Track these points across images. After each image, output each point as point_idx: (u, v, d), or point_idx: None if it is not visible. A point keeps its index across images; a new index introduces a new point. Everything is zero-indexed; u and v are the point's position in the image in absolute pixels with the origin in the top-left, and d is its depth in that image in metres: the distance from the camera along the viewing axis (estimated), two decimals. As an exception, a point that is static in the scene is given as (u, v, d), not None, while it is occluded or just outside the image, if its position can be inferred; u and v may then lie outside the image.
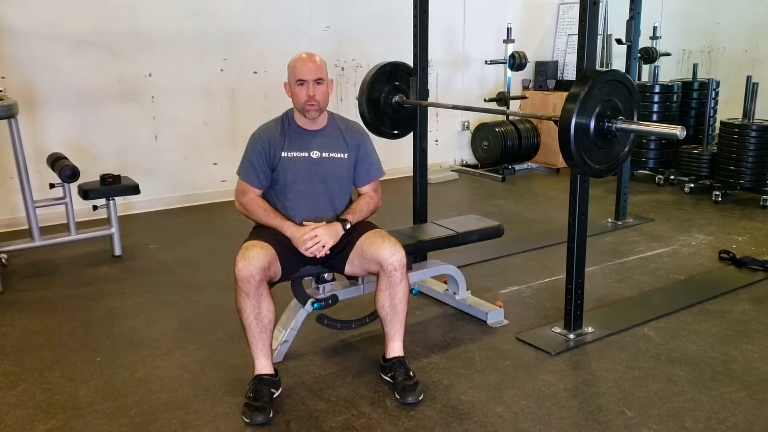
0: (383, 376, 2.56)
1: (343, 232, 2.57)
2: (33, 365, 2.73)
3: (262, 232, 2.57)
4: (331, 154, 2.65)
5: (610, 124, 2.53)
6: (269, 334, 2.43)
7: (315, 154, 2.63)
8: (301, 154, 2.62)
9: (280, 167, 2.61)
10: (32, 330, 3.07)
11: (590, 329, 2.95)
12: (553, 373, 2.63)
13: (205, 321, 3.13)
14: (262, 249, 2.39)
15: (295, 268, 2.59)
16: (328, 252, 2.55)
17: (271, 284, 2.51)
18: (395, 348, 2.54)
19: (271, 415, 2.31)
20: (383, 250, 2.45)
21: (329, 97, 2.64)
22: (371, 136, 2.90)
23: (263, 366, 2.43)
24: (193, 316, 3.21)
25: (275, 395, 2.42)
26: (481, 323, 3.07)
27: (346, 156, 2.67)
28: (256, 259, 2.35)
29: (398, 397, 2.43)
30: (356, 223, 2.62)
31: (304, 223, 2.57)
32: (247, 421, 2.29)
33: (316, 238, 2.50)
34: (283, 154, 2.61)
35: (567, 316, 2.93)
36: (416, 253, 3.13)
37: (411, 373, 2.50)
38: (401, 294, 2.49)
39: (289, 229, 2.54)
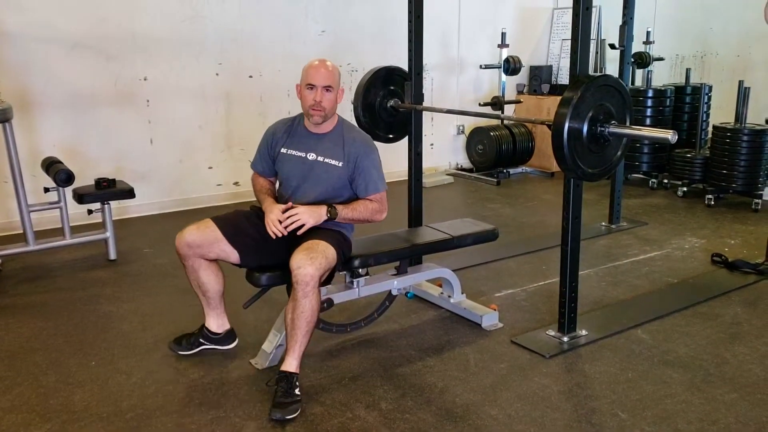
0: (268, 384, 2.45)
1: (326, 217, 2.54)
2: (28, 369, 2.73)
3: (230, 215, 2.69)
4: (326, 160, 2.65)
5: (602, 129, 2.55)
6: (215, 302, 2.73)
7: (311, 156, 2.66)
8: (298, 154, 2.69)
9: (278, 161, 2.74)
10: (27, 334, 3.06)
11: (584, 332, 2.97)
12: (547, 376, 2.64)
13: (201, 325, 3.13)
14: (197, 229, 2.57)
15: (256, 257, 2.60)
16: (286, 233, 2.51)
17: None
18: (288, 362, 2.42)
19: (186, 353, 2.78)
20: (295, 260, 2.36)
21: (337, 105, 2.65)
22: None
23: (209, 322, 2.78)
24: (189, 320, 3.20)
25: (204, 348, 2.80)
26: (475, 326, 3.09)
27: (340, 165, 2.65)
28: (186, 234, 2.56)
29: (270, 411, 2.34)
30: (341, 218, 2.58)
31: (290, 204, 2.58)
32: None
33: (297, 216, 2.50)
34: (283, 150, 2.72)
35: (561, 319, 2.95)
36: (411, 257, 3.15)
37: (296, 391, 2.39)
38: (301, 310, 2.36)
39: (268, 206, 2.59)
